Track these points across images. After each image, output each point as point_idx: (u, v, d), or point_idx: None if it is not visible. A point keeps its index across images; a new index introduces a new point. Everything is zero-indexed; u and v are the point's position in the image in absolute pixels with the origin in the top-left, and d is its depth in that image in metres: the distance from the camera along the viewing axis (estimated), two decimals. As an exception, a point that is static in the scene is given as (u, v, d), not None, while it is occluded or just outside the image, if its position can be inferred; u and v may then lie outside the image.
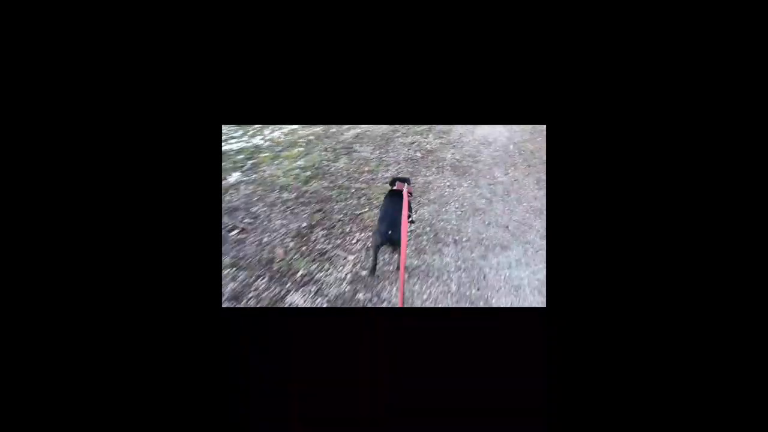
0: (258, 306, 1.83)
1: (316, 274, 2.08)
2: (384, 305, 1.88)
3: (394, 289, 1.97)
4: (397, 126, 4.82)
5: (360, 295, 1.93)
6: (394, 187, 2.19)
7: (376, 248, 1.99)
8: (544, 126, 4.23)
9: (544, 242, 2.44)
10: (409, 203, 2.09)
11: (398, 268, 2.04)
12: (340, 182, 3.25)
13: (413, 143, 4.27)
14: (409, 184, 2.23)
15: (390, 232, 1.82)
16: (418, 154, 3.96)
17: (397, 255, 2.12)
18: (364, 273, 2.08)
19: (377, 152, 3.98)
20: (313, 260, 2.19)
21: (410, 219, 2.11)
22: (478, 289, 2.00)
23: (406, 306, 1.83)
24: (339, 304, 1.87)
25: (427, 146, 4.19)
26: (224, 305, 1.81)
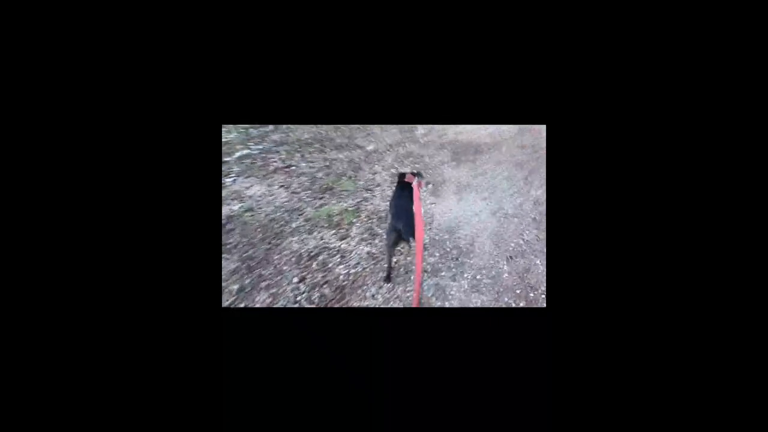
0: (258, 306, 1.80)
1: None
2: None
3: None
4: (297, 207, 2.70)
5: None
6: (405, 180, 2.07)
7: (391, 248, 1.93)
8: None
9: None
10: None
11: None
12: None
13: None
14: (420, 177, 2.10)
15: (406, 227, 1.73)
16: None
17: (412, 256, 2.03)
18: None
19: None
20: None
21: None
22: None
23: (395, 305, 1.87)
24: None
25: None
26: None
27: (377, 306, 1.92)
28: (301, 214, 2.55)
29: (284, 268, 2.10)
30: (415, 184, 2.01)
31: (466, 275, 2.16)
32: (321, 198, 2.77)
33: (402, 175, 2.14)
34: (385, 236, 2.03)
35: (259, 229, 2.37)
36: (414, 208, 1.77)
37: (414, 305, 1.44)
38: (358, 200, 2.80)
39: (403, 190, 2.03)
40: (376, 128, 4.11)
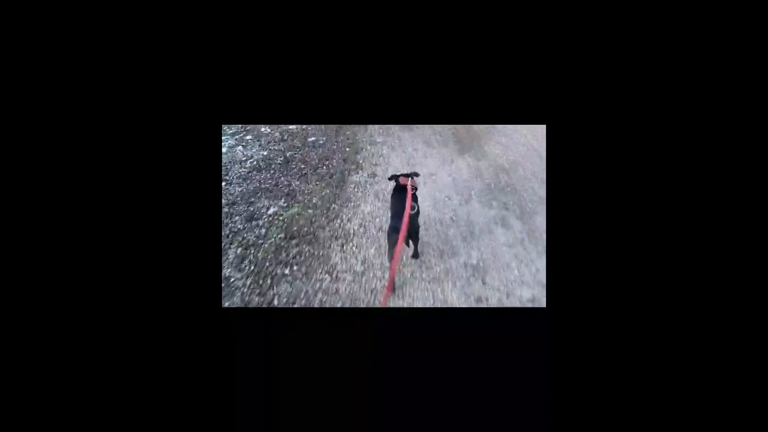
0: (258, 306, 1.88)
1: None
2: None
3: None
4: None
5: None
6: (400, 182, 2.16)
7: (394, 249, 1.84)
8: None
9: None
10: (414, 196, 2.06)
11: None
12: None
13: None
14: (413, 178, 2.17)
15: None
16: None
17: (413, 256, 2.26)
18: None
19: None
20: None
21: (413, 210, 1.99)
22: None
23: (395, 305, 1.98)
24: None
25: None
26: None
27: (376, 306, 1.92)
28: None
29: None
30: (408, 185, 2.07)
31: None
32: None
33: (396, 178, 2.21)
34: (387, 239, 2.04)
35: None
36: (406, 206, 1.86)
37: (382, 304, 1.44)
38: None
39: (400, 191, 2.11)
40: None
